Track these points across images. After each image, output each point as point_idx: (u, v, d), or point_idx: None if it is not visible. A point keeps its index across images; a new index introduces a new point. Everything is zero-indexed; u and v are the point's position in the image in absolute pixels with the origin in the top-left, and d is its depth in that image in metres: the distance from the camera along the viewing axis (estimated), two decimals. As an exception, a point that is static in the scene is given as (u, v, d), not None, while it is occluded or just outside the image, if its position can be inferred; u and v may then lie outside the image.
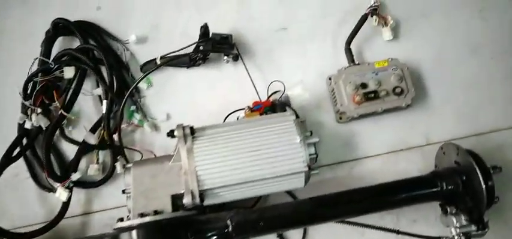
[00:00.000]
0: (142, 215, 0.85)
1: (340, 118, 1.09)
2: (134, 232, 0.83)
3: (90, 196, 1.09)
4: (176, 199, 0.89)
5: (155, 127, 1.11)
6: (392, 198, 0.94)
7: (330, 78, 1.10)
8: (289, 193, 1.05)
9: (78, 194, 1.08)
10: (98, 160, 1.08)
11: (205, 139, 0.92)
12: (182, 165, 0.90)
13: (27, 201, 1.10)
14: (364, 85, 1.04)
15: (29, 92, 1.08)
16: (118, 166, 1.04)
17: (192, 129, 0.91)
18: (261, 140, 0.91)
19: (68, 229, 1.07)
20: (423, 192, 0.93)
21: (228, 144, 0.91)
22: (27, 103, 1.04)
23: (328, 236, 1.04)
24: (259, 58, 1.15)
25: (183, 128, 0.91)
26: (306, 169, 0.90)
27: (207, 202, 0.91)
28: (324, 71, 1.13)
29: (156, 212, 0.86)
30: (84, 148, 1.08)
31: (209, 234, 0.88)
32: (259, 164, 0.89)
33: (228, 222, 0.88)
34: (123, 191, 0.95)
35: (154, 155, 1.07)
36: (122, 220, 0.89)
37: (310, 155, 0.91)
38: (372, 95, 1.02)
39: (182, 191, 0.88)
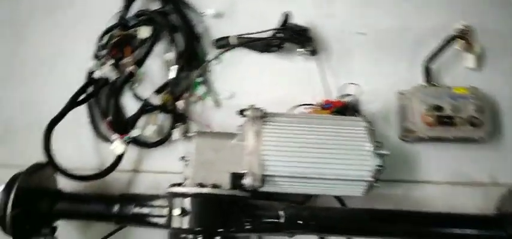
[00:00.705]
0: (201, 185, 0.86)
1: (406, 136, 1.06)
2: (189, 199, 0.83)
3: (140, 155, 1.10)
4: (235, 178, 0.88)
5: (217, 103, 1.11)
6: (454, 231, 0.90)
7: (401, 93, 1.08)
8: (338, 199, 1.03)
9: (130, 150, 1.08)
10: (156, 121, 1.08)
11: (275, 124, 0.91)
12: (247, 145, 0.90)
13: (82, 147, 1.11)
14: (439, 108, 1.00)
15: (103, 43, 1.09)
16: (175, 133, 1.06)
17: (264, 113, 0.91)
18: (332, 140, 0.89)
19: (113, 182, 1.08)
20: (487, 233, 0.90)
21: (297, 135, 0.90)
22: (101, 53, 1.06)
23: None
24: (332, 57, 1.13)
25: (256, 109, 0.91)
26: (371, 179, 0.88)
27: (264, 189, 0.90)
28: (394, 84, 1.10)
29: (214, 186, 0.86)
30: (145, 108, 1.09)
31: (260, 220, 0.88)
32: (326, 162, 0.88)
33: (281, 213, 0.88)
34: (182, 158, 0.95)
35: (211, 129, 1.08)
36: (177, 185, 0.90)
37: (377, 166, 0.89)
38: (446, 119, 0.99)
39: (243, 171, 0.88)
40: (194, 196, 0.84)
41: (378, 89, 1.09)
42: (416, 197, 1.05)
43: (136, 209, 0.90)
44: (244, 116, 0.91)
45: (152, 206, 0.89)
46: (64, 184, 0.99)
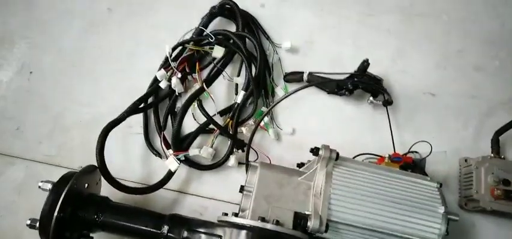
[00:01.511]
0: (263, 220, 0.81)
1: (466, 204, 1.02)
2: (247, 233, 0.78)
3: (190, 176, 1.06)
4: (298, 218, 0.84)
5: (278, 136, 1.08)
6: None
7: (465, 160, 1.05)
8: None
9: (180, 169, 1.04)
10: (213, 143, 1.05)
11: (346, 169, 0.88)
12: (315, 186, 0.86)
13: (130, 156, 1.08)
14: (507, 182, 0.97)
15: (174, 55, 1.08)
16: (232, 159, 1.02)
17: (337, 155, 0.88)
18: (404, 196, 0.86)
19: (157, 199, 1.03)
20: None
21: (368, 184, 0.86)
22: (172, 63, 1.04)
23: None
24: (400, 112, 1.11)
25: (330, 149, 0.88)
26: (440, 243, 0.84)
27: (324, 235, 0.86)
28: (458, 150, 1.08)
29: (277, 223, 0.81)
30: (205, 127, 1.06)
31: None
32: (396, 218, 0.83)
33: (338, 263, 0.83)
34: (242, 187, 0.91)
35: (270, 161, 1.04)
36: (235, 215, 0.85)
37: (445, 231, 0.85)
38: (512, 195, 0.96)
39: (307, 212, 0.84)
40: (254, 229, 0.79)
41: (441, 152, 1.03)
42: (469, 271, 1.01)
43: (187, 234, 0.84)
44: (317, 154, 0.88)
45: (205, 233, 0.83)
46: (104, 191, 0.94)
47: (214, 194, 1.05)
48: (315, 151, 0.88)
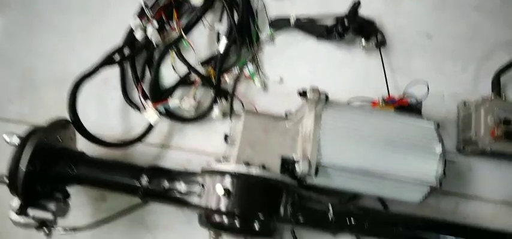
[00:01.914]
0: (248, 164, 0.76)
1: (464, 148, 0.97)
2: (232, 179, 0.73)
3: (172, 130, 1.00)
4: (286, 163, 0.79)
5: (265, 86, 1.01)
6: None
7: (464, 104, 0.99)
8: (382, 203, 0.93)
9: (162, 123, 0.99)
10: (195, 95, 0.98)
11: (337, 111, 0.82)
12: (303, 130, 0.81)
13: (108, 112, 1.01)
14: (508, 121, 0.91)
15: (151, 4, 0.99)
16: (216, 110, 0.96)
17: (327, 97, 0.82)
18: (399, 136, 0.80)
19: (138, 155, 0.98)
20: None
21: (361, 126, 0.81)
22: (148, 12, 0.96)
23: None
24: (394, 56, 1.04)
25: (319, 91, 0.81)
26: (436, 184, 0.79)
27: (314, 180, 0.80)
28: (456, 93, 1.02)
29: (263, 167, 0.76)
30: (186, 79, 1.00)
31: (307, 212, 0.77)
32: (390, 159, 0.78)
33: (330, 208, 0.78)
34: (226, 136, 0.86)
35: (257, 111, 0.98)
36: (220, 161, 0.80)
37: (443, 172, 0.80)
38: (514, 135, 0.91)
39: (295, 157, 0.79)
40: (239, 175, 0.74)
41: (439, 96, 1.01)
42: (466, 213, 0.96)
43: (168, 184, 0.79)
44: (305, 96, 0.81)
45: (187, 182, 0.78)
46: (82, 148, 0.88)
47: (198, 147, 0.99)
48: (303, 93, 0.81)
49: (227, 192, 0.72)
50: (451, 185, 0.97)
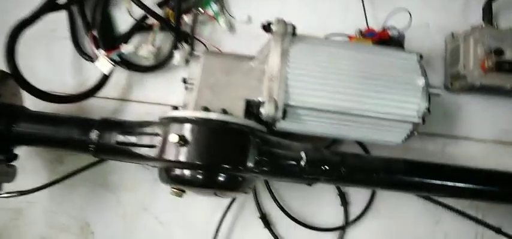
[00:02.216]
0: (206, 109, 0.67)
1: (451, 85, 0.88)
2: (190, 126, 0.64)
3: (131, 81, 0.91)
4: (250, 106, 0.70)
5: (231, 26, 0.92)
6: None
7: (452, 36, 0.90)
8: (362, 147, 0.87)
9: (119, 74, 0.90)
10: (154, 40, 0.88)
11: (306, 46, 0.73)
12: (269, 69, 0.71)
13: (58, 64, 0.91)
14: (499, 52, 0.82)
15: None
16: (177, 55, 0.86)
17: (294, 29, 0.72)
18: (377, 70, 0.71)
19: (95, 110, 0.89)
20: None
21: (334, 60, 0.71)
22: None
23: (395, 212, 0.87)
24: (373, -15, 0.94)
25: (285, 23, 0.72)
26: (419, 120, 0.70)
27: (284, 124, 0.72)
28: (443, 25, 0.92)
29: (224, 112, 0.67)
30: (142, 23, 0.89)
31: (276, 160, 0.68)
32: (367, 96, 0.70)
33: (303, 155, 0.69)
34: (184, 81, 0.76)
35: (220, 52, 0.88)
36: (175, 109, 0.71)
37: (426, 107, 0.71)
38: (507, 66, 0.81)
39: (261, 99, 0.70)
40: (197, 122, 0.65)
41: (423, 27, 0.91)
42: (455, 155, 0.89)
43: (121, 137, 0.70)
44: (269, 31, 0.72)
45: (141, 133, 0.69)
46: (34, 107, 0.79)
47: (160, 98, 0.90)
48: (267, 26, 0.72)
49: (183, 140, 0.63)
50: (438, 125, 0.89)
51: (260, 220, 0.85)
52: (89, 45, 0.89)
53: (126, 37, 0.88)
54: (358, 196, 0.87)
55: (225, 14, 0.91)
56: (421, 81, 0.70)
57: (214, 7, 0.90)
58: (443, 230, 0.86)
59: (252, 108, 0.70)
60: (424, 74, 0.72)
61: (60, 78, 0.90)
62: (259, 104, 0.69)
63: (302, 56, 0.71)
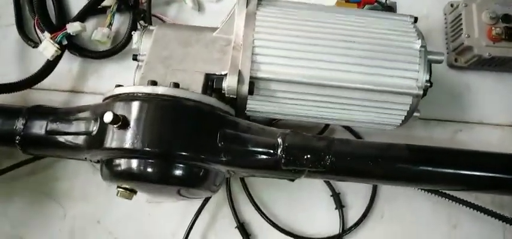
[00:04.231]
0: (154, 83, 0.54)
1: (456, 60, 0.76)
2: (136, 104, 0.51)
3: (86, 70, 0.79)
4: (211, 81, 0.58)
5: (198, 5, 0.81)
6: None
7: (451, 5, 0.78)
8: (353, 133, 0.74)
9: (72, 62, 0.78)
10: (110, 24, 0.77)
11: (276, 9, 0.61)
12: (234, 37, 0.59)
13: (5, 55, 0.79)
14: (507, 18, 0.71)
15: None
16: (136, 37, 0.74)
17: (260, -11, 0.61)
18: (363, 34, 0.59)
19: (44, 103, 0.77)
20: None
21: (311, 24, 0.59)
22: None
23: (401, 215, 0.71)
24: None
25: (248, -18, 0.60)
26: (419, 91, 0.57)
27: (251, 103, 0.60)
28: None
29: (176, 86, 0.54)
30: (96, 4, 0.78)
31: (246, 148, 0.55)
32: (354, 63, 0.57)
33: (279, 141, 0.55)
34: (134, 57, 0.64)
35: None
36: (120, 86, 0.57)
37: (426, 80, 0.59)
38: (517, 33, 0.70)
39: (222, 73, 0.57)
40: (141, 98, 0.52)
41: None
42: (468, 142, 0.75)
43: (51, 126, 0.58)
44: (231, -8, 0.60)
45: (77, 119, 0.57)
46: None
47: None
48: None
49: (120, 120, 0.49)
50: (445, 109, 0.77)
51: (237, 230, 0.70)
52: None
53: (78, 18, 0.76)
54: (357, 196, 0.72)
55: (191, -9, 0.80)
56: (417, 44, 0.57)
57: (178, -17, 0.79)
58: (462, 236, 0.71)
59: (214, 83, 0.57)
60: (421, 36, 0.59)
61: (5, 69, 0.78)
62: (220, 78, 0.56)
63: (272, 19, 0.59)
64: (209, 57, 0.60)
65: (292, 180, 0.60)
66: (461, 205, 0.67)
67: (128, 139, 0.50)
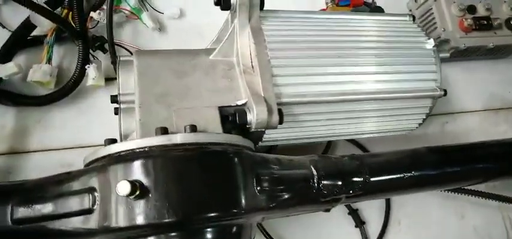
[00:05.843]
0: (165, 131, 0.42)
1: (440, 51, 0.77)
2: (147, 162, 0.39)
3: (25, 122, 0.61)
4: (229, 115, 0.48)
5: (159, 24, 0.68)
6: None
7: (415, 0, 0.79)
8: (357, 145, 0.70)
9: (3, 116, 0.60)
10: (50, 57, 0.60)
11: (279, 21, 0.53)
12: (239, 58, 0.50)
13: None
14: (472, 9, 0.75)
15: None
16: (91, 71, 0.59)
17: (262, 1, 0.52)
18: (378, 39, 0.55)
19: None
20: None
21: (323, 35, 0.53)
22: None
23: (417, 217, 0.70)
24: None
25: (249, -6, 0.51)
26: (441, 92, 0.56)
27: (269, 132, 0.50)
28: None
29: (193, 129, 0.43)
30: (24, 33, 0.60)
31: (285, 187, 0.46)
32: (376, 72, 0.52)
33: (313, 171, 0.47)
34: (114, 98, 0.50)
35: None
36: (111, 142, 0.44)
37: (439, 76, 0.58)
38: (484, 22, 0.74)
39: (240, 102, 0.48)
40: (155, 154, 0.39)
41: None
42: (456, 131, 0.78)
43: (22, 211, 0.41)
44: (228, 6, 0.49)
45: (62, 194, 0.41)
46: None
47: (75, 138, 0.61)
48: (222, 1, 0.50)
49: (139, 188, 0.37)
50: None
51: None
52: None
53: (4, 54, 0.58)
54: (371, 209, 0.69)
55: (147, 9, 0.67)
56: (429, 44, 0.56)
57: (131, 1, 0.65)
58: (471, 224, 0.73)
59: (237, 119, 0.46)
60: (427, 35, 0.58)
61: None
62: (241, 110, 0.46)
63: (282, 33, 0.51)
64: (214, 86, 0.49)
65: (328, 210, 0.53)
66: (468, 195, 0.68)
67: (147, 210, 0.38)
